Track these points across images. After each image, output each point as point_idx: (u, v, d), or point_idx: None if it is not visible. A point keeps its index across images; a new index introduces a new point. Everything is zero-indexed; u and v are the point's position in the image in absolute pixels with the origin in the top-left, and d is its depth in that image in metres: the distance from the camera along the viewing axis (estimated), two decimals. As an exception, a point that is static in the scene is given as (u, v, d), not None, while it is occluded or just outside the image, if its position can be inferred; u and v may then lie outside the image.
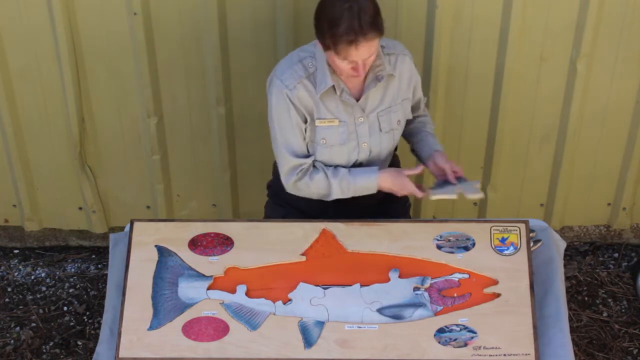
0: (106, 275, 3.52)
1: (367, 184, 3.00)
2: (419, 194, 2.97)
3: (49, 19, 3.41)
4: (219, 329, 2.82)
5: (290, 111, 2.94)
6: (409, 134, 3.20)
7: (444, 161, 3.04)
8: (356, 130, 2.99)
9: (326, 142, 2.99)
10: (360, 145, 3.01)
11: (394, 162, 3.23)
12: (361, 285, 2.88)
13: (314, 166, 3.02)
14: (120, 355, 2.78)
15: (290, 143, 2.98)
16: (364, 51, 2.78)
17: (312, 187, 3.01)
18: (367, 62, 2.83)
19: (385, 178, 2.99)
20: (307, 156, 3.01)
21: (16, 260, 4.14)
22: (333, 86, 2.91)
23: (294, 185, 3.03)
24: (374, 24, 2.75)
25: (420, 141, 3.16)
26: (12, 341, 3.82)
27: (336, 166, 3.02)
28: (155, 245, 2.98)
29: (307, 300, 2.86)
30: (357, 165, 3.06)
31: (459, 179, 3.01)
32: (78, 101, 3.60)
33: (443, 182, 3.02)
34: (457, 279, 2.89)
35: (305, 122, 2.97)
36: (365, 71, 2.84)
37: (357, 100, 2.96)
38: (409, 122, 3.16)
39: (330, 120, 2.97)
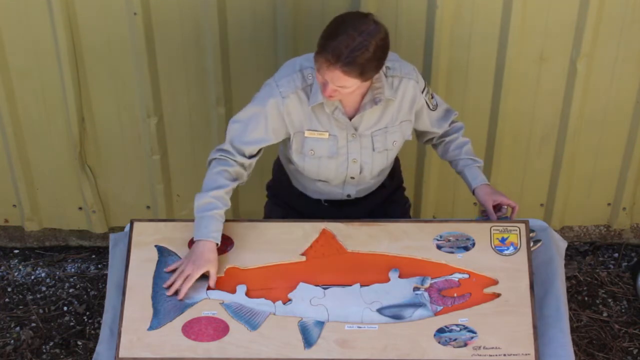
0: (106, 275, 3.52)
1: (196, 233, 2.91)
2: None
3: (49, 19, 3.41)
4: (219, 329, 2.82)
5: (269, 119, 2.90)
6: (450, 161, 3.16)
7: (483, 199, 3.04)
8: (347, 145, 2.96)
9: (314, 154, 2.97)
10: (349, 160, 2.99)
11: (394, 167, 3.22)
12: (361, 285, 2.88)
13: (229, 169, 2.94)
14: (120, 355, 2.78)
15: (244, 136, 2.93)
16: (336, 78, 2.71)
17: (208, 174, 2.95)
18: (339, 89, 2.77)
19: (198, 251, 2.88)
20: (240, 156, 2.95)
21: (16, 260, 4.14)
22: (324, 103, 2.87)
23: (210, 161, 2.97)
24: (360, 65, 2.68)
25: (460, 172, 3.13)
26: (12, 341, 3.82)
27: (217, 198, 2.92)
28: (155, 245, 2.98)
29: (307, 300, 2.86)
30: (349, 179, 3.05)
31: (503, 215, 3.04)
32: (78, 101, 3.61)
33: (486, 218, 3.05)
34: (457, 279, 2.89)
35: (282, 135, 2.94)
36: (332, 95, 2.79)
37: (352, 117, 2.93)
38: (444, 149, 3.13)
39: (321, 132, 2.94)
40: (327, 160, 2.98)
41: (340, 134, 2.94)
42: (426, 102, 3.01)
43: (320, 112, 2.91)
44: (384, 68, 2.86)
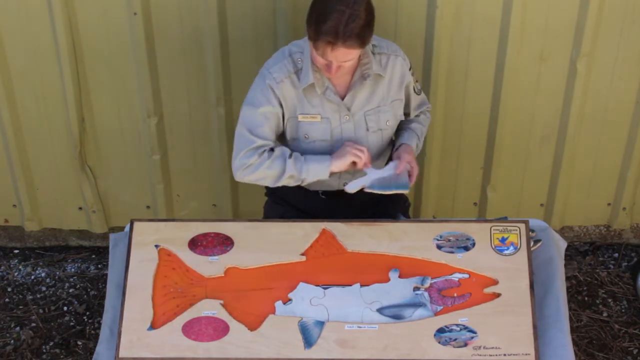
0: (106, 275, 3.52)
1: (319, 168, 2.96)
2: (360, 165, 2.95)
3: (49, 19, 3.41)
4: (219, 329, 2.82)
5: (270, 100, 2.94)
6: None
7: (402, 153, 3.05)
8: (341, 127, 2.99)
9: (309, 138, 2.99)
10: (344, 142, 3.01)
11: (391, 159, 3.21)
12: (361, 285, 2.88)
13: (271, 149, 3.01)
14: (120, 355, 2.78)
15: (259, 127, 2.96)
16: (340, 55, 2.79)
17: (267, 167, 2.96)
18: (343, 65, 2.84)
19: (336, 162, 2.95)
20: (270, 140, 2.99)
21: (16, 260, 4.14)
22: (314, 83, 2.92)
23: (246, 168, 2.97)
24: (358, 35, 2.75)
25: (398, 130, 3.18)
26: (12, 341, 3.82)
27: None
28: (155, 245, 2.98)
29: (307, 300, 2.86)
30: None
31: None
32: (78, 101, 3.61)
33: (485, 219, 3.09)
34: (457, 279, 2.89)
35: (283, 116, 2.98)
36: (337, 72, 2.85)
37: (343, 97, 2.97)
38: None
39: (313, 116, 2.97)
40: (321, 144, 3.00)
41: (333, 116, 2.97)
42: (413, 83, 3.07)
43: (311, 94, 2.95)
44: (370, 46, 2.93)
